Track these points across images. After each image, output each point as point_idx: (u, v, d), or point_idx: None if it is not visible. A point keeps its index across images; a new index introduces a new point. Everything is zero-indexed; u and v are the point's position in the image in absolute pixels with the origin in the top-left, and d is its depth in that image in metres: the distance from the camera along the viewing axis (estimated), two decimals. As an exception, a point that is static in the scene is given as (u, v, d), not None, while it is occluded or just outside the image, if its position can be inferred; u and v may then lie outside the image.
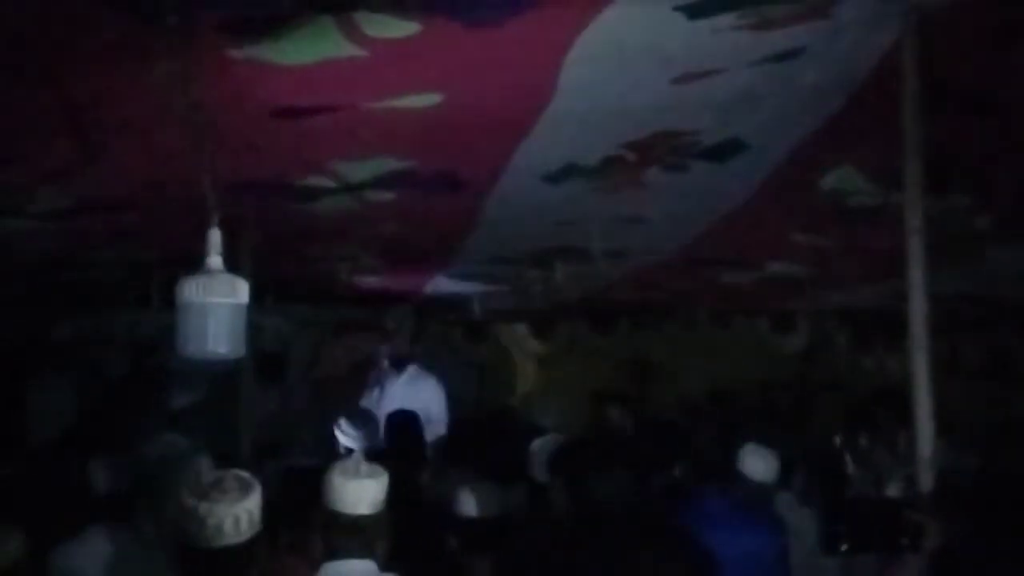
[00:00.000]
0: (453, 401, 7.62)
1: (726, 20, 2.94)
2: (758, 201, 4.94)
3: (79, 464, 4.36)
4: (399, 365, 7.55)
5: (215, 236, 3.18)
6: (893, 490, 4.67)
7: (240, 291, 3.13)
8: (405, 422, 5.92)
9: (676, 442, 5.66)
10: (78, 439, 5.71)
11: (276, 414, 7.11)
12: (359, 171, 4.31)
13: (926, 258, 3.36)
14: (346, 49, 2.85)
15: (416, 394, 7.21)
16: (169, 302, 3.20)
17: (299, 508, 3.34)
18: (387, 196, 4.70)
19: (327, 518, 3.08)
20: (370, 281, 7.32)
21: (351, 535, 3.05)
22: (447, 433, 6.44)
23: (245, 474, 2.90)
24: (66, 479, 4.38)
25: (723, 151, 4.26)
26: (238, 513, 2.74)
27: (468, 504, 4.03)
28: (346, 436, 5.79)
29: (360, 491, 3.09)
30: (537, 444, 4.61)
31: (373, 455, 5.00)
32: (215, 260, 3.15)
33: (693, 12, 2.85)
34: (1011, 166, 4.22)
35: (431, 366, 7.75)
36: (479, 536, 4.00)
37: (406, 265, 6.72)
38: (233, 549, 2.73)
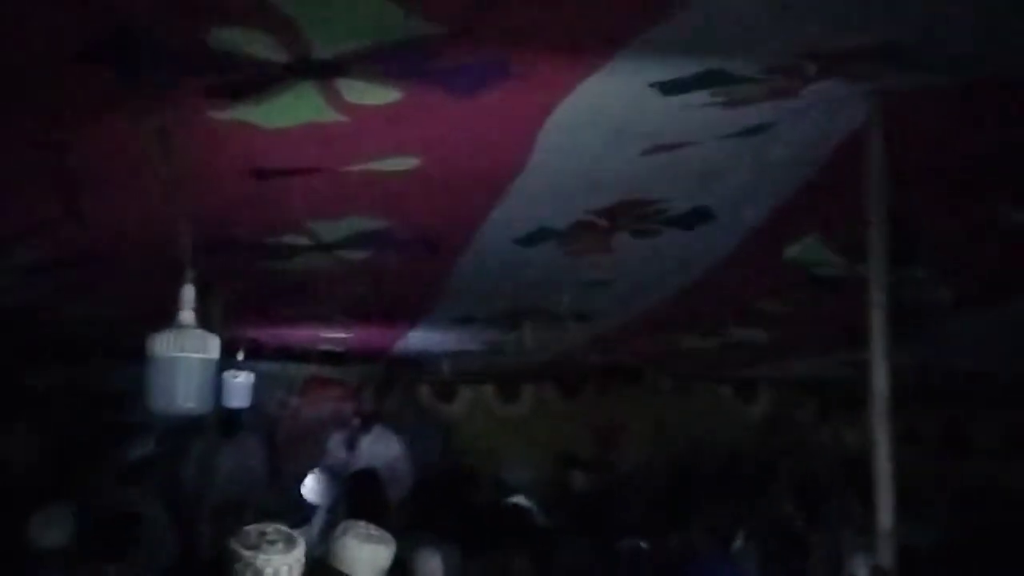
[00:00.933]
0: (419, 460, 7.60)
1: (699, 97, 2.99)
2: (724, 269, 5.01)
3: (23, 515, 4.32)
4: (365, 424, 7.53)
5: (189, 292, 3.19)
6: (855, 563, 4.69)
7: (211, 346, 3.14)
8: (367, 481, 5.89)
9: (640, 508, 5.70)
10: (33, 490, 5.63)
11: (235, 470, 7.04)
12: (334, 231, 4.33)
13: (888, 332, 3.43)
14: (328, 115, 2.88)
15: (381, 453, 7.19)
16: (140, 355, 3.21)
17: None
18: (361, 255, 4.71)
19: None
20: (340, 339, 7.31)
21: None
22: (411, 494, 6.41)
23: (285, 528, 3.02)
24: (13, 531, 4.32)
25: (691, 219, 4.33)
26: (290, 563, 2.92)
27: (432, 567, 4.02)
28: (312, 493, 5.77)
29: (373, 556, 3.10)
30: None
31: (332, 514, 5.00)
32: (187, 315, 3.17)
33: (667, 89, 2.90)
34: (972, 242, 4.30)
35: (397, 425, 7.73)
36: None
37: (376, 323, 6.72)
38: None
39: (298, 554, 2.95)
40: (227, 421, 6.88)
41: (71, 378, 7.26)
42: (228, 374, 6.35)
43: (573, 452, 7.69)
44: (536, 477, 6.82)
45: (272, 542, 2.93)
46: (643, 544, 5.22)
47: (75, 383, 7.26)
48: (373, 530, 3.17)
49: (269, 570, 2.87)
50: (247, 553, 2.88)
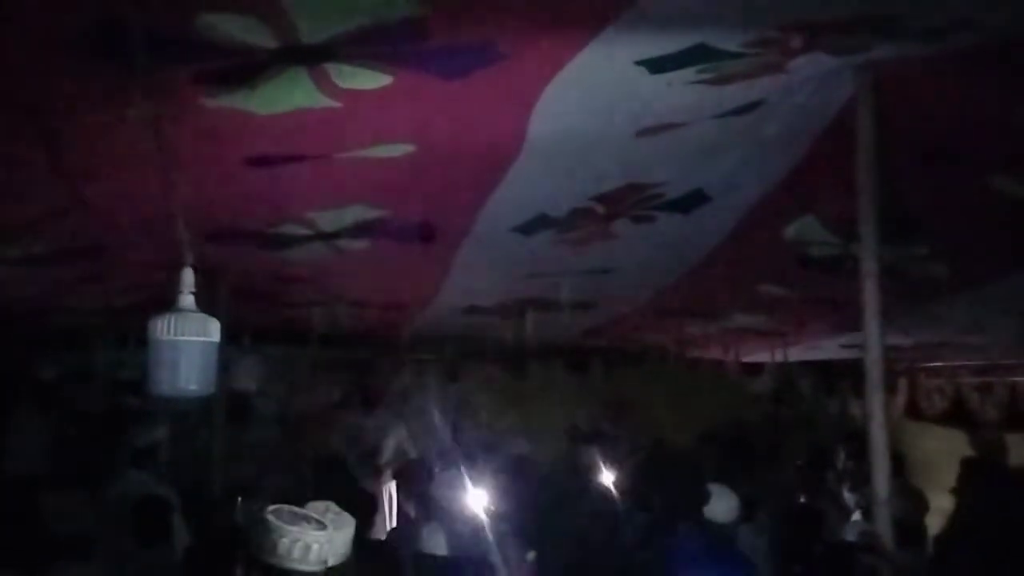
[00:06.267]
0: (429, 440, 7.67)
1: (686, 74, 3.03)
2: (723, 252, 5.03)
3: (41, 502, 4.37)
4: (370, 406, 7.62)
5: (188, 275, 3.23)
6: (851, 528, 4.72)
7: (211, 330, 3.17)
8: (332, 467, 5.89)
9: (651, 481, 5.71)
10: (47, 476, 5.71)
11: (247, 453, 7.13)
12: (333, 220, 4.35)
13: (882, 301, 3.45)
14: (320, 100, 2.91)
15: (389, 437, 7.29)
16: (146, 342, 3.25)
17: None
18: (361, 245, 4.73)
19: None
20: (345, 324, 7.36)
21: None
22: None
23: (321, 518, 3.04)
24: (29, 516, 4.37)
25: (688, 203, 4.35)
26: (311, 541, 2.94)
27: (437, 541, 4.06)
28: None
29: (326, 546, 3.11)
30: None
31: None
32: (187, 299, 3.21)
33: (654, 67, 2.94)
34: (963, 216, 4.31)
35: (405, 406, 7.83)
36: (446, 573, 4.03)
37: (380, 311, 6.76)
38: (297, 573, 2.92)
39: (327, 535, 2.99)
40: (239, 405, 6.98)
41: (80, 366, 7.34)
42: (235, 358, 6.40)
43: (581, 427, 7.74)
44: (544, 453, 6.86)
45: (305, 520, 3.01)
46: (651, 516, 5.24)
47: (84, 371, 7.34)
48: (330, 514, 3.17)
49: (301, 543, 2.93)
50: (271, 518, 2.94)
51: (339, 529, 3.11)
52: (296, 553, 2.91)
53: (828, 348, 7.29)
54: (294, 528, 2.93)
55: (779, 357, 7.53)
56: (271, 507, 3.01)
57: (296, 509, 3.04)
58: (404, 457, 6.96)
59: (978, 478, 6.07)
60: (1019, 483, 6.29)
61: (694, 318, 6.81)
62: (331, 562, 3.04)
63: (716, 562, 4.23)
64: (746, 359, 7.99)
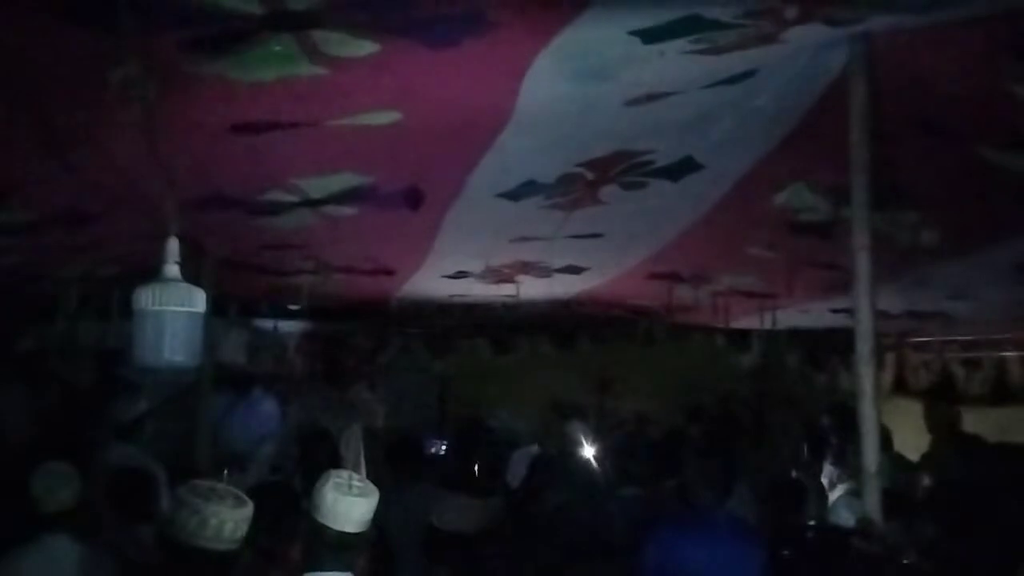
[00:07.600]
0: (416, 412, 7.70)
1: (679, 45, 2.99)
2: (713, 218, 5.03)
3: (28, 475, 4.34)
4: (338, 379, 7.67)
5: (173, 245, 3.20)
6: (838, 505, 4.72)
7: (197, 300, 3.14)
8: (318, 441, 5.90)
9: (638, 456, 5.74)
10: (34, 449, 5.67)
11: (246, 425, 7.13)
12: (320, 186, 4.31)
13: (872, 274, 3.44)
14: (307, 68, 2.87)
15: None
16: (131, 313, 3.22)
17: (273, 518, 3.38)
18: (348, 211, 4.70)
19: (313, 530, 3.09)
20: (332, 294, 7.34)
21: (335, 550, 3.06)
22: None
23: (242, 494, 3.02)
24: (17, 489, 4.34)
25: (678, 170, 4.33)
26: (236, 519, 2.91)
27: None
28: None
29: (351, 509, 3.09)
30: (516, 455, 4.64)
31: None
32: (172, 269, 3.17)
33: (647, 37, 2.90)
34: (954, 187, 4.30)
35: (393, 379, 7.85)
36: (439, 547, 4.03)
37: (368, 279, 6.74)
38: (209, 551, 2.86)
39: (245, 513, 2.96)
40: (239, 377, 6.98)
41: (65, 338, 7.29)
42: (222, 330, 6.38)
43: (568, 402, 7.75)
44: (532, 428, 6.87)
45: (221, 497, 2.95)
46: (638, 491, 5.28)
47: (69, 343, 7.29)
48: (356, 481, 3.14)
49: (214, 521, 2.88)
50: (185, 496, 2.90)
51: (367, 496, 3.09)
52: (208, 531, 2.86)
53: (818, 312, 7.29)
54: (207, 505, 2.88)
55: (768, 322, 7.52)
56: (187, 484, 2.97)
57: (216, 485, 3.00)
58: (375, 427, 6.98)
59: (957, 450, 6.12)
60: (997, 456, 6.32)
61: (683, 282, 6.82)
62: (352, 528, 3.03)
63: (727, 537, 4.21)
64: (735, 325, 7.98)
